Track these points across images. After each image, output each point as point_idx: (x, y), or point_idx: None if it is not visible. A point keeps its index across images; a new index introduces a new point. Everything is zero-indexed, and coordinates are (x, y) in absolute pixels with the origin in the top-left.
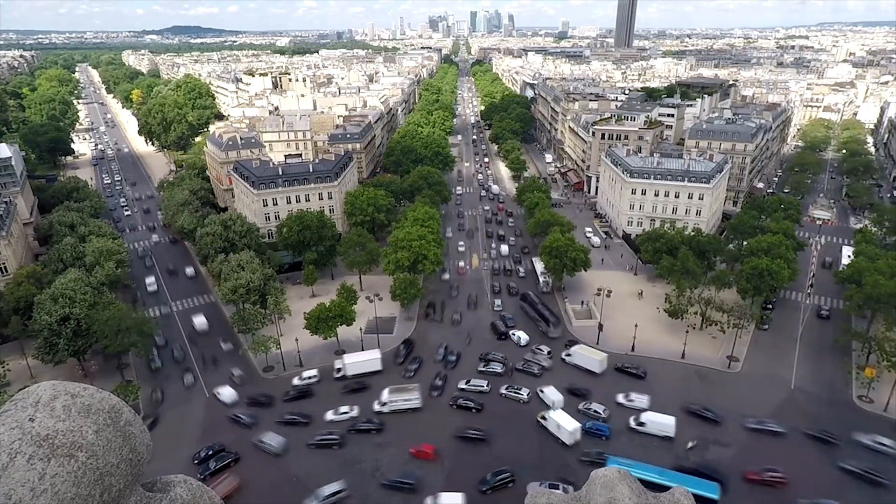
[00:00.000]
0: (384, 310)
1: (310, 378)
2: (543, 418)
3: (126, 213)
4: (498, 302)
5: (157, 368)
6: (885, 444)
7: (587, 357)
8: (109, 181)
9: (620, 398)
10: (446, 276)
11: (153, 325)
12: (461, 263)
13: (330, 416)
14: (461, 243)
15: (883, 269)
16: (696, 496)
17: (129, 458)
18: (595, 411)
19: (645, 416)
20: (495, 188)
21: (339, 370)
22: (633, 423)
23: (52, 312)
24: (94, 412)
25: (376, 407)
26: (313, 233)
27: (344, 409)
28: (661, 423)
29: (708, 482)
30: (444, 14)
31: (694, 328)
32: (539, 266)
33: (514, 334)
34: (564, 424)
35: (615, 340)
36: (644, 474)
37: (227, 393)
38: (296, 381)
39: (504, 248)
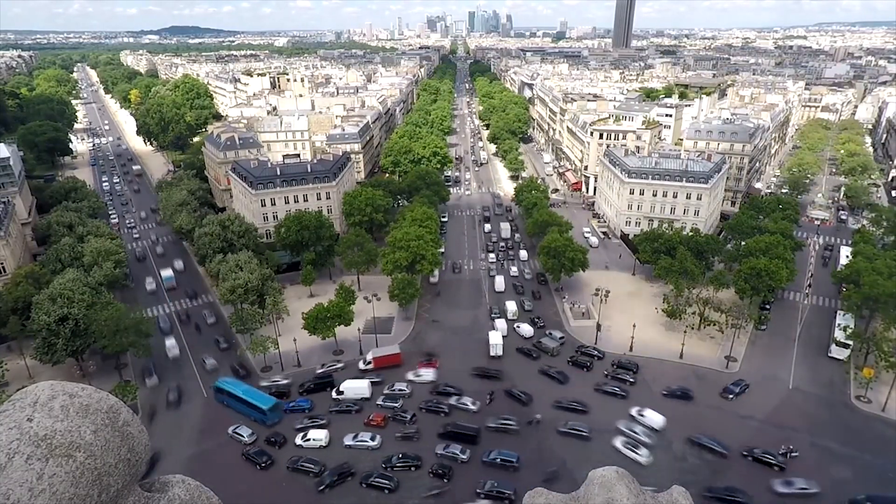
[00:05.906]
0: (382, 310)
1: None
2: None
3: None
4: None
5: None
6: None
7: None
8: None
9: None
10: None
11: (150, 324)
12: None
13: None
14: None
15: (881, 269)
16: (254, 406)
17: (128, 458)
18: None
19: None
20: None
21: None
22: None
23: (51, 312)
24: (92, 412)
25: None
26: (311, 233)
27: None
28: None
29: (265, 396)
30: (441, 14)
31: (692, 328)
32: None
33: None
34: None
35: (614, 340)
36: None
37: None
38: None
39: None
